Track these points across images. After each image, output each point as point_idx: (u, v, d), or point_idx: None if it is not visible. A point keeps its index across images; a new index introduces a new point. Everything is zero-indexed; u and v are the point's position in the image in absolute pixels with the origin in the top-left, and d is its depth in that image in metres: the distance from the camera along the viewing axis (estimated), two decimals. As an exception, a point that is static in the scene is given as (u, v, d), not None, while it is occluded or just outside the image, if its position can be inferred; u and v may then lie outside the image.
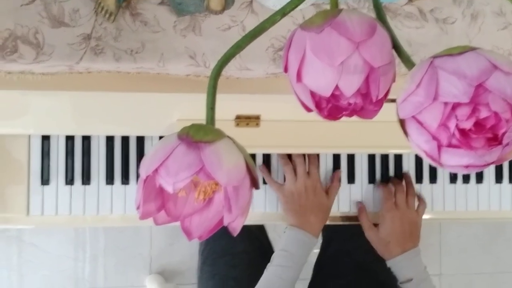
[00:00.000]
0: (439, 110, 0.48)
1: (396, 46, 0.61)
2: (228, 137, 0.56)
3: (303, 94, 0.60)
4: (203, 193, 0.56)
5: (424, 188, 1.43)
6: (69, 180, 1.28)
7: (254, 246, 1.55)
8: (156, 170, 0.51)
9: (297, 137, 1.30)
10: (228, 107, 1.23)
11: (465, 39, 1.00)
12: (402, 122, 0.52)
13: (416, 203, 1.40)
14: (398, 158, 1.42)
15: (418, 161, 1.42)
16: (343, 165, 1.40)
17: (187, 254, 1.82)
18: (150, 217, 0.55)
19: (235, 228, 0.54)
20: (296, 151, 1.36)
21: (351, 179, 1.39)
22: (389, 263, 1.35)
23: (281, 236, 1.32)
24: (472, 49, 0.50)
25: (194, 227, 0.56)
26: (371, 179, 1.41)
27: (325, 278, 1.55)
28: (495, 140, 0.48)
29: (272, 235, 1.68)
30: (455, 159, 0.49)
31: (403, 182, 1.40)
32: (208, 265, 1.51)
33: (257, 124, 1.25)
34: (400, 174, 1.42)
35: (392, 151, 1.41)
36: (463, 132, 0.48)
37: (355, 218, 1.40)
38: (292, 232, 1.29)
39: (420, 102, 0.49)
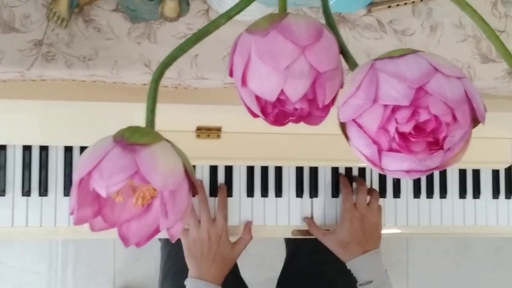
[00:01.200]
0: (379, 112, 0.46)
1: (343, 52, 0.60)
2: (167, 140, 0.54)
3: (248, 98, 0.58)
4: (141, 198, 0.54)
5: (388, 202, 1.41)
6: (26, 192, 1.25)
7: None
8: (89, 173, 0.49)
9: (259, 149, 1.28)
10: (189, 118, 1.21)
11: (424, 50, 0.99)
12: (343, 126, 0.50)
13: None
14: (362, 171, 1.41)
15: (382, 176, 1.41)
16: (306, 178, 1.38)
17: (152, 269, 1.79)
18: (86, 222, 0.53)
19: (173, 235, 0.52)
20: (258, 163, 1.34)
21: (313, 192, 1.38)
22: (349, 264, 1.31)
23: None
24: (414, 51, 0.49)
25: (132, 233, 0.54)
26: (335, 193, 1.39)
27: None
28: (436, 144, 0.47)
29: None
30: (396, 164, 0.48)
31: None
32: (168, 279, 1.48)
33: (218, 136, 1.24)
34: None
35: (356, 165, 1.40)
36: (402, 136, 0.47)
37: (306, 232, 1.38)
38: (193, 285, 1.25)
39: (360, 104, 0.47)
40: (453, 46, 1.01)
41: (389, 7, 0.98)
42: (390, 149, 0.47)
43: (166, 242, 1.55)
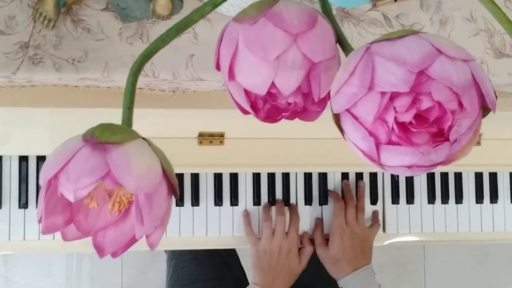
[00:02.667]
0: (375, 101, 0.41)
1: (340, 40, 0.55)
2: (144, 138, 0.49)
3: (237, 93, 0.54)
4: (117, 203, 0.49)
5: (401, 208, 1.36)
6: (23, 204, 1.21)
7: (225, 272, 1.47)
8: (55, 176, 0.45)
9: (265, 155, 1.23)
10: (189, 123, 1.17)
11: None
12: (336, 118, 0.45)
13: (370, 222, 1.34)
14: (374, 176, 1.35)
15: (394, 181, 1.36)
16: (315, 184, 1.33)
17: (161, 283, 1.74)
18: (56, 231, 0.49)
19: (153, 243, 0.47)
20: (264, 170, 1.29)
21: (323, 199, 1.32)
22: (340, 283, 1.28)
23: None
24: (414, 32, 0.44)
25: (108, 242, 0.49)
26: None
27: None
28: (440, 135, 0.42)
29: (248, 261, 1.61)
30: (396, 159, 0.43)
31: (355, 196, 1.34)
32: (175, 292, 1.43)
33: (221, 142, 1.19)
34: (375, 196, 1.35)
35: (367, 170, 1.34)
36: (402, 127, 0.41)
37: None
38: None
39: (354, 92, 0.42)
40: (464, 41, 0.95)
41: (396, 0, 0.93)
42: (389, 142, 0.42)
43: (172, 254, 1.50)
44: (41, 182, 0.46)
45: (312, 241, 1.31)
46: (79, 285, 2.21)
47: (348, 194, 1.32)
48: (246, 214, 1.29)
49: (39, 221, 0.47)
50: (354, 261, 1.27)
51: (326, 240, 1.30)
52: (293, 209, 1.30)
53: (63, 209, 0.48)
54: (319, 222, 1.32)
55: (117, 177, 0.43)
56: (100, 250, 0.49)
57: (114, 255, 0.49)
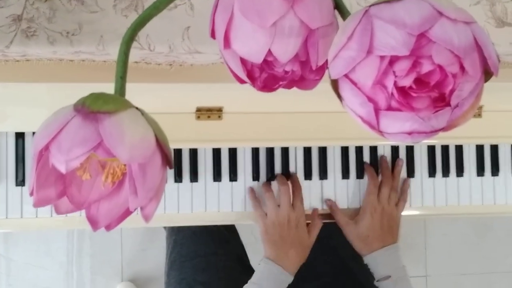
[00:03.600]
0: (374, 65, 0.40)
1: (338, 6, 0.53)
2: (137, 108, 0.48)
3: (233, 62, 0.52)
4: (111, 175, 0.48)
5: (401, 182, 1.34)
6: (20, 181, 1.20)
7: (224, 248, 1.46)
8: (46, 147, 0.43)
9: (264, 130, 1.22)
10: (187, 98, 1.15)
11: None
12: (334, 84, 0.44)
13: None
14: (374, 149, 1.34)
15: (394, 153, 1.34)
16: (314, 159, 1.31)
17: (161, 260, 1.74)
18: (48, 204, 0.47)
19: (147, 215, 0.46)
20: (263, 145, 1.28)
21: (323, 174, 1.31)
22: (366, 259, 1.28)
23: (255, 267, 1.25)
24: (414, -6, 0.42)
25: (102, 215, 0.48)
26: (345, 174, 1.32)
27: (301, 280, 1.47)
28: (441, 100, 0.41)
29: (248, 238, 1.60)
30: (396, 125, 0.41)
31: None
32: (175, 269, 1.42)
33: (220, 117, 1.18)
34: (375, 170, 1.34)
35: (367, 143, 1.33)
36: (402, 91, 0.40)
37: (328, 215, 1.32)
38: (267, 267, 1.22)
39: (352, 57, 0.41)
40: (465, 9, 0.93)
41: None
42: (389, 108, 0.41)
43: (171, 231, 1.49)
44: (32, 153, 0.45)
45: (321, 216, 1.31)
46: (80, 263, 2.21)
47: (387, 172, 1.32)
48: (251, 190, 1.28)
49: (31, 194, 0.46)
50: (383, 238, 1.27)
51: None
52: (294, 180, 1.29)
53: (55, 181, 0.47)
54: (332, 203, 1.31)
55: (109, 147, 0.42)
56: (93, 223, 0.48)
57: (108, 227, 0.48)
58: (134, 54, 0.90)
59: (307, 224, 1.28)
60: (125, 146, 0.43)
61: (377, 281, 1.26)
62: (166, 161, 0.47)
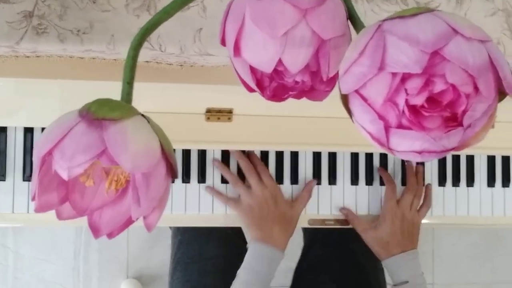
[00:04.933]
0: (386, 82, 0.39)
1: (352, 17, 0.52)
2: (143, 115, 0.47)
3: (242, 70, 0.52)
4: (115, 182, 0.47)
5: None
6: (27, 177, 1.19)
7: (230, 250, 1.45)
8: (49, 153, 0.43)
9: (274, 133, 1.21)
10: (197, 99, 1.14)
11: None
12: (345, 98, 0.43)
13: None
14: (384, 156, 1.33)
15: (404, 163, 1.33)
16: (324, 164, 1.30)
17: (167, 259, 1.74)
18: (50, 209, 0.47)
19: (150, 224, 0.46)
20: (272, 148, 1.27)
21: (332, 179, 1.30)
22: (385, 263, 1.27)
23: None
24: (429, 10, 0.41)
25: (104, 222, 0.48)
26: (354, 180, 1.31)
27: (307, 285, 1.46)
28: (453, 120, 0.40)
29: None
30: (406, 144, 0.40)
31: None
32: (179, 270, 1.41)
33: (229, 119, 1.17)
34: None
35: (377, 150, 1.32)
36: (414, 110, 0.39)
37: (343, 221, 1.30)
38: (255, 247, 1.20)
39: (363, 73, 0.40)
40: (481, 20, 0.92)
41: (411, -23, 0.90)
42: (399, 126, 0.40)
43: (176, 231, 1.48)
44: (34, 158, 0.44)
45: (310, 189, 1.29)
46: (86, 259, 2.21)
47: (412, 179, 1.31)
48: (210, 189, 1.26)
49: (33, 198, 0.45)
50: (403, 244, 1.26)
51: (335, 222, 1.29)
52: (253, 157, 1.27)
53: (58, 187, 0.46)
54: (348, 211, 1.30)
55: (113, 155, 0.42)
56: (95, 230, 0.47)
57: (110, 235, 0.47)
58: (145, 54, 0.89)
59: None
60: (129, 155, 0.42)
61: (395, 285, 1.25)
62: (170, 170, 0.46)
